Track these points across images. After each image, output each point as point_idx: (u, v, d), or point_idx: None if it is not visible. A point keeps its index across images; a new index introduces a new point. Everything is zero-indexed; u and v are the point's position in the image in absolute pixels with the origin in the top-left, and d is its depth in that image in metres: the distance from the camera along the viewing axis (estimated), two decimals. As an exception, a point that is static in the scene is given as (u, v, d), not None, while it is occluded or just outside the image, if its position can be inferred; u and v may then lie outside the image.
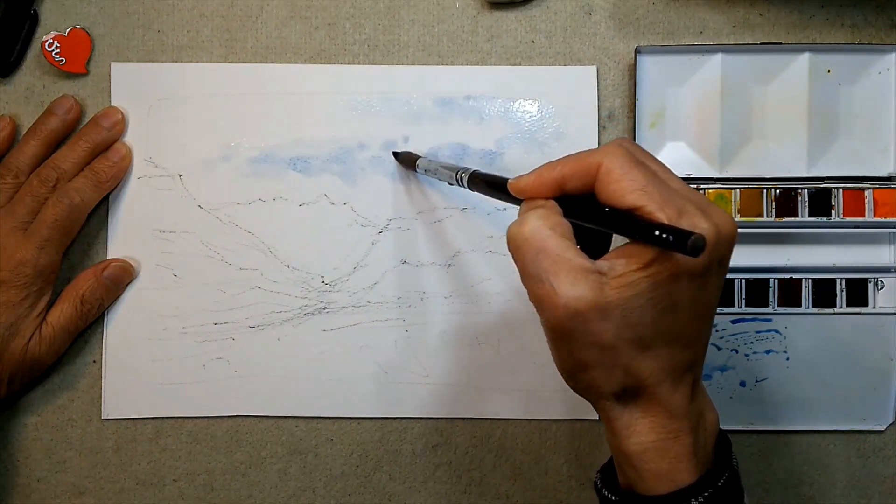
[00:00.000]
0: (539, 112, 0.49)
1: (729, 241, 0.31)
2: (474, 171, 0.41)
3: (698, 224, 0.30)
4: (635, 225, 0.30)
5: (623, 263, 0.30)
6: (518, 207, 0.35)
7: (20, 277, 0.45)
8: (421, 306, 0.49)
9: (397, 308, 0.49)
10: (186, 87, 0.49)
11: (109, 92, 0.50)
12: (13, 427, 0.50)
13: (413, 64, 0.50)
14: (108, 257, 0.49)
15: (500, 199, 0.37)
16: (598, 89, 0.49)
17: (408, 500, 0.50)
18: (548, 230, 0.31)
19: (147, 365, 0.49)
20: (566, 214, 0.32)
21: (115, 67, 0.50)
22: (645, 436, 0.32)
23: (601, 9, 0.50)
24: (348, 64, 0.50)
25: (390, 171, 0.49)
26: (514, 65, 0.49)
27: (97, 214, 0.49)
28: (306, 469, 0.50)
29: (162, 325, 0.49)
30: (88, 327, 0.49)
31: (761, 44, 0.48)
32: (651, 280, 0.30)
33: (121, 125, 0.49)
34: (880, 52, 0.48)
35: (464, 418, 0.50)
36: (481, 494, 0.50)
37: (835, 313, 0.49)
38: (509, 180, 0.35)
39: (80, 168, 0.48)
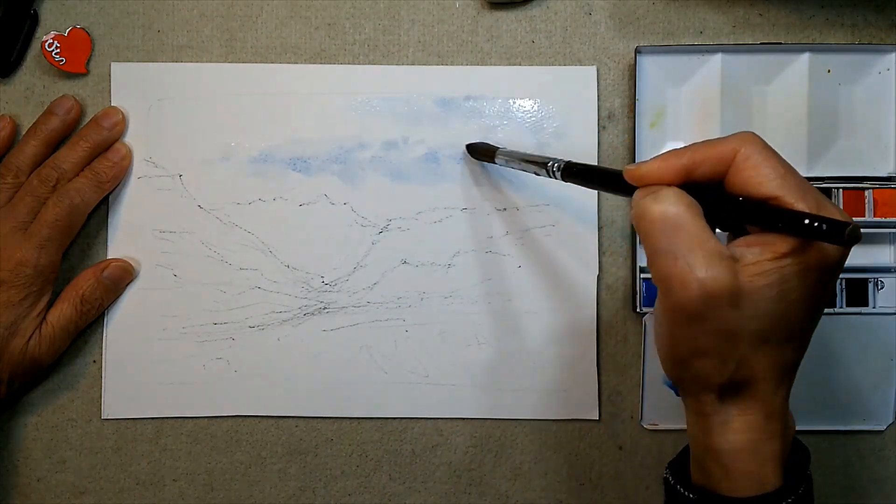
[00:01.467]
0: (539, 112, 0.49)
1: (847, 251, 0.31)
2: (569, 161, 0.39)
3: (837, 216, 0.29)
4: (779, 214, 0.29)
5: (757, 252, 0.30)
6: (628, 199, 0.33)
7: (20, 277, 0.45)
8: (421, 306, 0.49)
9: (397, 308, 0.49)
10: (186, 87, 0.49)
11: (109, 92, 0.50)
12: (13, 427, 0.50)
13: (413, 64, 0.50)
14: (108, 257, 0.49)
15: (603, 189, 0.36)
16: (598, 89, 0.49)
17: (407, 501, 0.50)
18: (685, 208, 0.30)
19: (147, 365, 0.49)
20: (696, 195, 0.31)
21: (115, 67, 0.50)
22: (741, 434, 0.31)
23: (601, 9, 0.50)
24: (348, 64, 0.50)
25: (390, 171, 0.49)
26: (514, 65, 0.49)
27: (97, 214, 0.49)
28: (306, 469, 0.50)
29: (162, 325, 0.49)
30: (88, 327, 0.49)
31: (761, 44, 0.48)
32: (783, 272, 0.29)
33: (121, 125, 0.49)
34: (880, 52, 0.48)
35: (464, 418, 0.50)
36: (481, 495, 0.50)
37: (835, 313, 0.49)
38: (626, 167, 0.33)
39: (81, 168, 0.48)
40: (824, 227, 0.27)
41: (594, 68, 0.49)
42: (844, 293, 0.49)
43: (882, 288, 0.49)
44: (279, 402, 0.49)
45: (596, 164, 0.37)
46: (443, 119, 0.49)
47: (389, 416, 0.50)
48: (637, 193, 0.32)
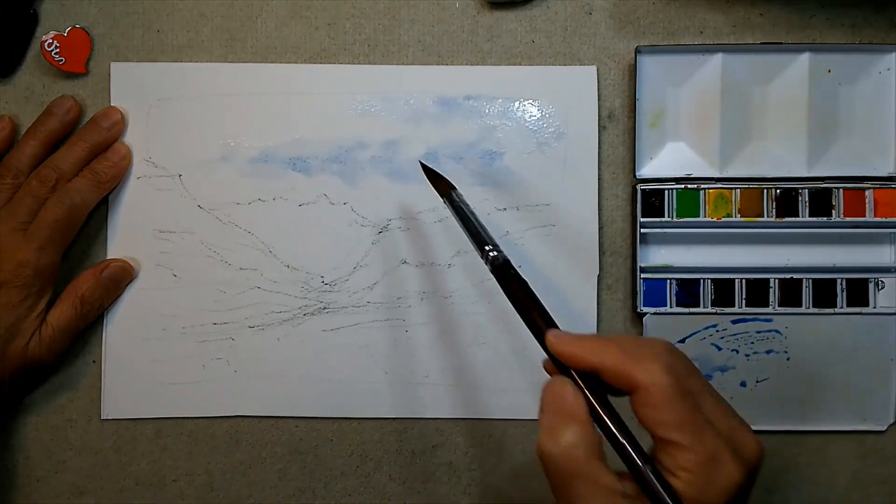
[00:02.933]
0: (539, 112, 0.49)
1: (755, 474, 0.31)
2: (506, 260, 0.37)
3: (729, 472, 0.30)
4: (642, 476, 0.30)
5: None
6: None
7: (20, 278, 0.45)
8: (421, 306, 0.49)
9: (397, 308, 0.49)
10: (186, 86, 0.49)
11: (109, 92, 0.49)
12: (13, 427, 0.50)
13: (413, 64, 0.50)
14: (108, 257, 0.49)
15: (523, 320, 0.35)
16: (598, 89, 0.49)
17: (408, 501, 0.50)
18: (584, 454, 0.31)
19: (147, 365, 0.49)
20: (593, 410, 0.32)
21: (115, 67, 0.50)
22: None
23: (601, 8, 0.50)
24: (348, 64, 0.50)
25: (390, 170, 0.49)
26: (514, 65, 0.49)
27: (97, 215, 0.49)
28: (306, 469, 0.50)
29: (161, 326, 0.49)
30: (88, 327, 0.49)
31: (761, 44, 0.48)
32: None
33: (120, 125, 0.49)
34: (880, 52, 0.48)
35: (464, 418, 0.50)
36: (481, 495, 0.50)
37: (835, 313, 0.49)
38: (548, 336, 0.33)
39: (80, 168, 0.47)
40: None
41: (594, 68, 0.49)
42: (845, 293, 0.49)
43: (882, 288, 0.49)
44: (279, 402, 0.49)
45: (528, 288, 0.36)
46: (443, 119, 0.49)
47: (389, 416, 0.50)
48: (540, 418, 0.32)
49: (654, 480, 0.30)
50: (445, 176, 0.44)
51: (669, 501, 0.29)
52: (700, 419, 0.30)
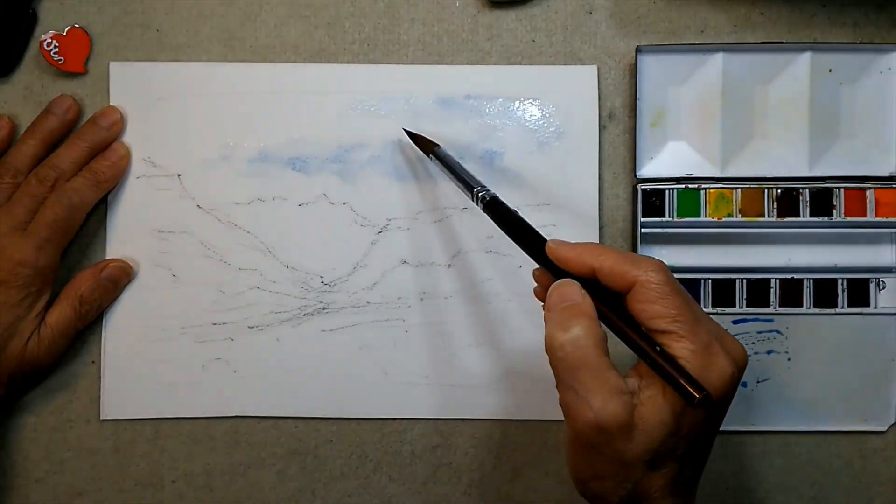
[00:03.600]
0: (540, 111, 0.49)
1: (742, 373, 0.33)
2: (495, 196, 0.39)
3: (722, 364, 0.32)
4: (653, 359, 0.32)
5: (650, 386, 0.32)
6: (533, 260, 0.36)
7: (19, 278, 0.45)
8: (421, 306, 0.49)
9: (397, 308, 0.49)
10: (185, 86, 0.49)
11: (108, 91, 0.49)
12: (12, 428, 0.49)
13: (413, 63, 0.49)
14: (107, 257, 0.49)
15: (516, 241, 0.37)
16: (598, 89, 0.49)
17: (408, 502, 0.50)
18: (591, 345, 0.32)
19: (146, 365, 0.49)
20: (597, 307, 0.33)
21: (114, 67, 0.49)
22: None
23: (602, 8, 0.49)
24: (348, 63, 0.49)
25: (390, 170, 0.49)
26: (515, 64, 0.49)
27: (96, 214, 0.49)
28: (306, 470, 0.50)
29: (161, 326, 0.49)
30: (87, 327, 0.49)
31: (762, 43, 0.48)
32: (674, 409, 0.32)
33: (119, 125, 0.49)
34: (882, 52, 0.48)
35: (464, 419, 0.50)
36: (481, 495, 0.50)
37: (836, 313, 0.49)
38: (548, 243, 0.35)
39: (79, 168, 0.47)
40: (680, 392, 0.31)
41: (595, 67, 0.49)
42: (846, 293, 0.49)
43: (883, 288, 0.49)
44: (279, 402, 0.49)
45: (519, 216, 0.38)
46: (443, 118, 0.49)
47: (389, 416, 0.49)
48: (548, 315, 0.34)
49: (664, 358, 0.31)
50: (426, 136, 0.47)
51: (678, 375, 0.31)
52: (692, 312, 0.32)
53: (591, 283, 0.34)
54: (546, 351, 0.33)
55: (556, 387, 0.33)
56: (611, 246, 0.49)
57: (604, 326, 0.33)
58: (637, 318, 0.33)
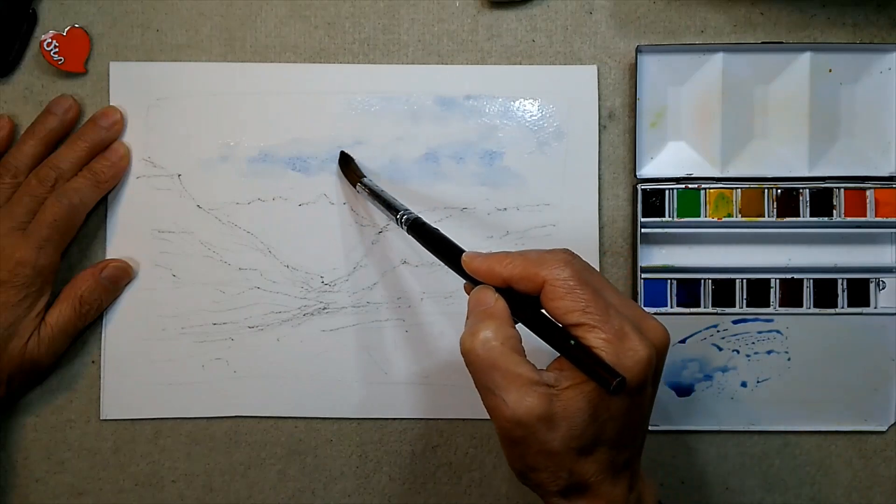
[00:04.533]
0: (539, 111, 0.49)
1: (663, 355, 0.34)
2: (416, 217, 0.41)
3: (636, 347, 0.32)
4: (568, 351, 0.33)
5: (568, 377, 0.33)
6: (457, 274, 0.37)
7: (19, 278, 0.45)
8: (421, 306, 0.49)
9: (397, 308, 0.49)
10: (185, 86, 0.49)
11: (108, 91, 0.49)
12: (12, 428, 0.49)
13: (413, 63, 0.49)
14: (107, 257, 0.49)
15: (440, 258, 0.39)
16: (598, 89, 0.49)
17: (408, 502, 0.50)
18: (498, 345, 0.33)
19: (146, 365, 0.49)
20: (513, 310, 0.34)
21: (114, 67, 0.49)
22: None
23: (602, 8, 0.49)
24: (348, 63, 0.49)
25: (390, 170, 0.49)
26: (515, 64, 0.49)
27: (96, 214, 0.49)
28: (306, 470, 0.50)
29: (161, 326, 0.49)
30: (87, 327, 0.49)
31: (762, 43, 0.48)
32: (590, 396, 0.32)
33: (119, 125, 0.49)
34: (882, 52, 0.48)
35: (464, 419, 0.50)
36: (481, 496, 0.50)
37: (836, 313, 0.49)
38: (464, 255, 0.37)
39: (79, 168, 0.47)
40: (595, 378, 0.32)
41: (595, 67, 0.49)
42: (846, 293, 0.49)
43: (883, 288, 0.49)
44: (279, 402, 0.49)
45: (440, 233, 0.40)
46: (443, 118, 0.49)
47: (389, 416, 0.49)
48: (471, 310, 0.35)
49: (577, 349, 0.32)
50: (356, 163, 0.48)
51: (591, 363, 0.32)
52: (602, 302, 0.33)
53: (507, 290, 0.35)
54: (461, 356, 0.34)
55: (476, 389, 0.34)
56: (611, 246, 0.49)
57: (527, 330, 0.34)
58: (552, 315, 0.33)
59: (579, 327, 0.33)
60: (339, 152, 0.49)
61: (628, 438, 0.34)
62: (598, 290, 0.34)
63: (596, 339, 0.32)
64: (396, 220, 0.42)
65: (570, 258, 0.34)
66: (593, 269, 0.36)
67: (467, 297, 0.37)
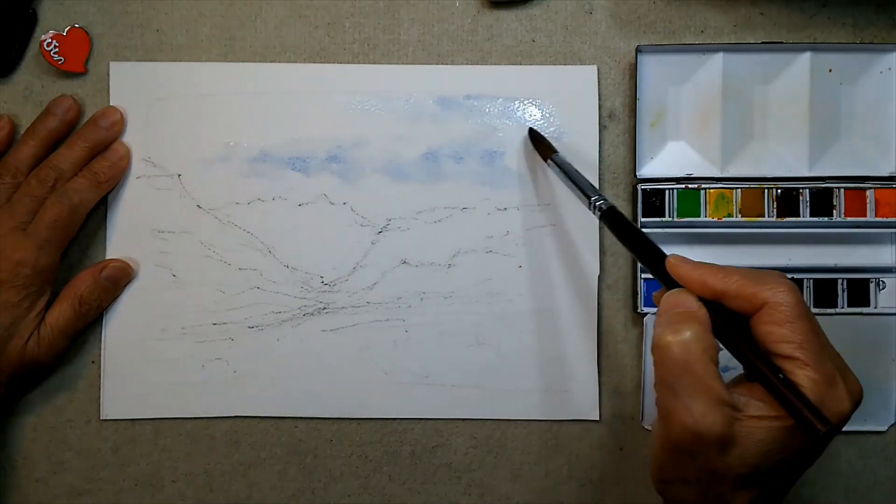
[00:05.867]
0: (539, 111, 0.49)
1: (853, 411, 0.32)
2: (612, 206, 0.39)
3: (842, 398, 0.31)
4: (772, 383, 0.30)
5: (758, 407, 0.31)
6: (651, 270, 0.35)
7: (19, 278, 0.45)
8: (421, 306, 0.49)
9: (397, 308, 0.49)
10: (185, 86, 0.49)
11: (108, 91, 0.49)
12: (11, 428, 0.49)
13: (413, 63, 0.49)
14: (107, 257, 0.49)
15: (633, 253, 0.37)
16: (598, 88, 0.49)
17: (408, 502, 0.50)
18: (700, 350, 0.31)
19: (146, 365, 0.49)
20: (715, 327, 0.32)
21: (114, 67, 0.49)
22: None
23: (602, 8, 0.49)
24: (348, 63, 0.49)
25: (390, 170, 0.49)
26: (515, 64, 0.49)
27: (96, 214, 0.49)
28: (306, 470, 0.50)
29: (161, 326, 0.49)
30: (87, 327, 0.49)
31: (762, 43, 0.48)
32: (776, 434, 0.31)
33: (119, 125, 0.49)
34: (882, 52, 0.48)
35: (464, 419, 0.49)
36: (481, 496, 0.50)
37: (836, 313, 0.49)
38: (669, 258, 0.34)
39: (79, 168, 0.47)
40: (801, 423, 0.30)
41: (595, 67, 0.49)
42: (846, 293, 0.49)
43: (884, 288, 0.49)
44: (279, 402, 0.49)
45: (636, 227, 0.38)
46: (443, 118, 0.49)
47: (389, 416, 0.49)
48: (659, 318, 0.33)
49: (786, 385, 0.30)
50: (548, 140, 0.47)
51: (801, 405, 0.30)
52: (821, 341, 0.31)
53: (713, 304, 0.33)
54: (652, 351, 0.33)
55: (654, 386, 0.32)
56: (611, 245, 0.49)
57: (723, 348, 0.33)
58: (761, 339, 0.32)
59: (790, 360, 0.31)
60: (528, 129, 0.48)
61: (786, 482, 0.33)
62: (818, 327, 0.32)
63: (805, 379, 0.30)
64: (589, 204, 0.40)
65: (792, 284, 0.32)
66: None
67: (658, 302, 0.35)
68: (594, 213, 0.40)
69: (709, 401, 0.30)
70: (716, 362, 0.32)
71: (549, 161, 0.46)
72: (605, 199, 0.40)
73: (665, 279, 0.35)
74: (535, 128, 0.48)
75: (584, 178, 0.43)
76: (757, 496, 0.32)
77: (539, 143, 0.48)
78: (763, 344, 0.32)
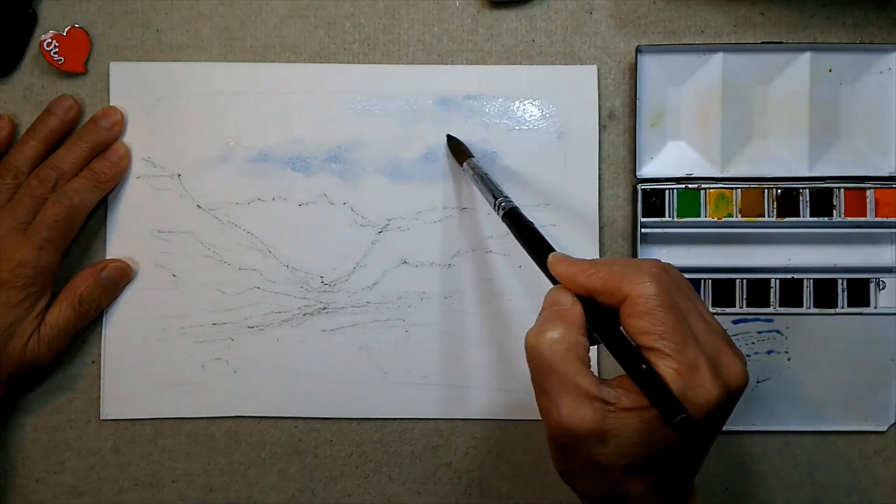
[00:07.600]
0: (539, 111, 0.49)
1: (735, 396, 0.33)
2: (514, 207, 0.40)
3: (706, 385, 0.31)
4: (637, 374, 0.31)
5: (631, 399, 0.31)
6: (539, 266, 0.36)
7: (19, 278, 0.45)
8: (421, 306, 0.49)
9: (397, 308, 0.49)
10: (185, 86, 0.49)
11: (108, 91, 0.49)
12: (12, 428, 0.49)
13: (413, 63, 0.49)
14: (107, 257, 0.49)
15: (530, 255, 0.38)
16: (598, 88, 0.49)
17: (408, 502, 0.50)
18: (563, 350, 0.32)
19: (146, 365, 0.49)
20: (590, 320, 0.33)
21: (114, 67, 0.49)
22: None
23: (602, 8, 0.49)
24: (348, 63, 0.49)
25: (390, 170, 0.49)
26: (515, 64, 0.49)
27: (96, 214, 0.49)
28: (305, 470, 0.50)
29: (161, 326, 0.49)
30: (87, 327, 0.49)
31: (762, 43, 0.48)
32: (648, 421, 0.31)
33: (119, 125, 0.49)
34: (882, 52, 0.48)
35: (464, 419, 0.49)
36: (481, 496, 0.50)
37: (836, 313, 0.49)
38: (551, 256, 0.35)
39: (80, 168, 0.47)
40: (660, 411, 0.31)
41: (595, 67, 0.49)
42: (846, 293, 0.49)
43: (883, 288, 0.49)
44: (278, 402, 0.49)
45: (533, 227, 0.39)
46: (443, 118, 0.49)
47: (389, 416, 0.49)
48: (545, 307, 0.34)
49: (646, 376, 0.31)
50: (465, 145, 0.48)
51: (658, 394, 0.31)
52: (683, 330, 0.31)
53: (588, 300, 0.34)
54: (525, 352, 0.33)
55: (532, 386, 0.34)
56: (611, 245, 0.49)
57: (601, 341, 0.33)
58: (628, 332, 0.32)
59: (652, 351, 0.31)
60: (447, 135, 0.49)
61: (679, 469, 0.34)
62: (682, 315, 0.32)
63: (666, 369, 0.31)
64: (494, 205, 0.42)
65: (658, 272, 0.32)
66: (685, 285, 0.34)
67: (538, 284, 0.35)
68: (498, 212, 0.41)
69: (576, 398, 0.31)
70: (583, 359, 0.32)
71: (463, 165, 0.46)
72: (508, 200, 0.41)
73: (550, 276, 0.35)
74: (451, 134, 0.49)
75: (493, 182, 0.43)
76: (653, 483, 0.33)
77: (456, 148, 0.48)
78: (630, 336, 0.32)
